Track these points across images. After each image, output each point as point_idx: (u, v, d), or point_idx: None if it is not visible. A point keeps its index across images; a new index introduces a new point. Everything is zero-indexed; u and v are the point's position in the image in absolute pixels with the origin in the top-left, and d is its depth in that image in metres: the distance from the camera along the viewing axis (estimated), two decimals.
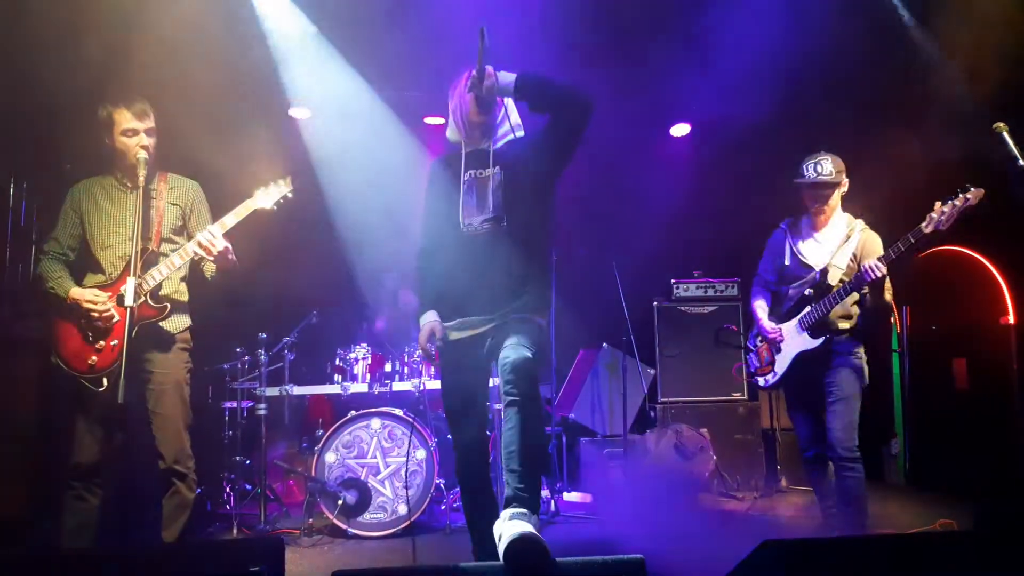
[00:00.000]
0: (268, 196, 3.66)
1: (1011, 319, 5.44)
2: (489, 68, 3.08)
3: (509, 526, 2.72)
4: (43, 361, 3.54)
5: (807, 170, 3.96)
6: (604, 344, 6.41)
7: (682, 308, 6.54)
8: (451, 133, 3.36)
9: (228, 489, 5.28)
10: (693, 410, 6.23)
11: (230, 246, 3.55)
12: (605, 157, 6.81)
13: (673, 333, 6.48)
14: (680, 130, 7.33)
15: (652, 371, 6.36)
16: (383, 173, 6.54)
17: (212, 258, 3.50)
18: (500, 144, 3.26)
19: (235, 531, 4.88)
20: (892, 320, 6.52)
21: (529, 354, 2.93)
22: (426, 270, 3.29)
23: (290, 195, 3.71)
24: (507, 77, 3.11)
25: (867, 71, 5.68)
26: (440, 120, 6.97)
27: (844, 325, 3.90)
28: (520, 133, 3.30)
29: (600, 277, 5.97)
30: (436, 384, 5.32)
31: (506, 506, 2.87)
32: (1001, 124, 3.22)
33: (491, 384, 3.58)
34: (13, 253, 4.80)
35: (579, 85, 3.11)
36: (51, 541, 3.77)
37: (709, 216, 6.54)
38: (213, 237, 3.48)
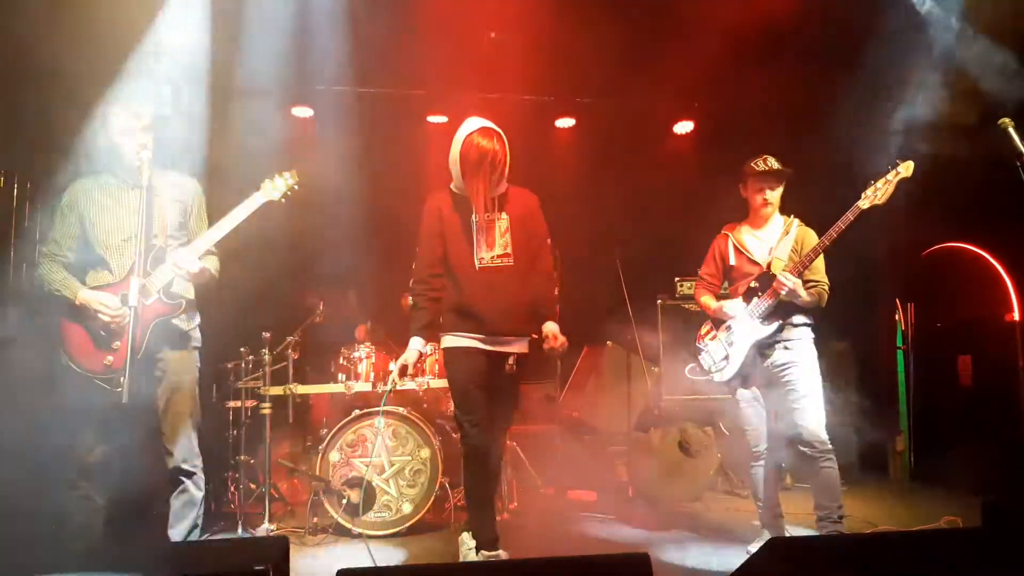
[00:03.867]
0: (275, 188, 3.71)
1: (1016, 316, 5.43)
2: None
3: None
4: (47, 361, 3.53)
5: (758, 165, 4.19)
6: (608, 341, 6.40)
7: (686, 305, 6.52)
8: (457, 189, 3.80)
9: (233, 488, 5.28)
10: (698, 408, 6.21)
11: (208, 267, 3.59)
12: (609, 154, 6.82)
13: (677, 331, 6.46)
14: (684, 127, 7.35)
15: (656, 368, 6.34)
16: (387, 172, 6.55)
17: (188, 279, 3.54)
18: (501, 191, 3.80)
19: (240, 530, 4.88)
20: (897, 317, 6.51)
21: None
22: (422, 297, 3.77)
23: (296, 187, 3.76)
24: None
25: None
26: (444, 119, 6.98)
27: (797, 316, 4.03)
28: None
29: (604, 274, 5.97)
30: (442, 383, 5.32)
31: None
32: (1007, 120, 3.21)
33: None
34: (17, 253, 4.81)
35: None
36: (56, 541, 3.77)
37: (712, 213, 6.53)
38: (189, 262, 3.49)
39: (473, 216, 3.71)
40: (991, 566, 2.19)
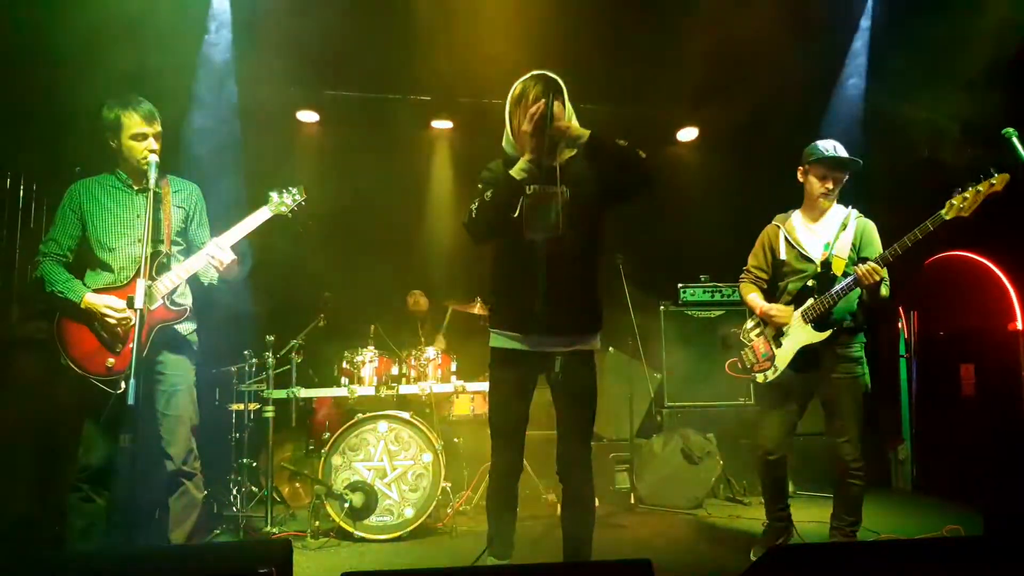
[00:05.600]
0: (283, 203, 3.71)
1: (1019, 325, 5.43)
2: (560, 122, 3.08)
3: None
4: (49, 362, 3.54)
5: (827, 149, 3.89)
6: (611, 348, 6.40)
7: (689, 312, 6.54)
8: (508, 144, 3.30)
9: (235, 491, 5.29)
10: (700, 414, 6.23)
11: (236, 257, 3.59)
12: None
13: (680, 337, 6.47)
14: (688, 134, 7.37)
15: (659, 375, 6.35)
16: (391, 176, 6.57)
17: (221, 269, 3.55)
18: (564, 160, 3.23)
19: (242, 533, 4.89)
20: (900, 325, 6.51)
21: (590, 448, 3.41)
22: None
23: (304, 203, 3.76)
24: (579, 132, 3.10)
25: None
26: (448, 124, 7.00)
27: (849, 321, 3.84)
28: (580, 145, 3.20)
29: (607, 281, 5.98)
30: (445, 388, 5.32)
31: None
32: (1010, 129, 3.21)
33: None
34: (23, 254, 4.83)
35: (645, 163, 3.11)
36: (58, 542, 3.78)
37: (716, 220, 6.55)
38: (223, 251, 3.52)
39: (526, 188, 3.11)
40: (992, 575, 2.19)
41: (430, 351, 5.47)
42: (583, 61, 5.80)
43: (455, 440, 5.58)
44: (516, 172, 3.12)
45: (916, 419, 6.36)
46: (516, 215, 3.12)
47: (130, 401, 3.01)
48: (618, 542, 4.66)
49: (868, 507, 3.90)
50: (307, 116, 6.82)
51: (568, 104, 3.18)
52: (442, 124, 7.02)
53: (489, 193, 3.12)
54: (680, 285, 6.59)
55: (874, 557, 2.32)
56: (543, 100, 3.03)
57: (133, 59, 4.46)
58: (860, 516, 3.87)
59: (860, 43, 6.20)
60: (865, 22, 6.10)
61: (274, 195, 3.73)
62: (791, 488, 5.92)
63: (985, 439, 5.48)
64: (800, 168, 4.02)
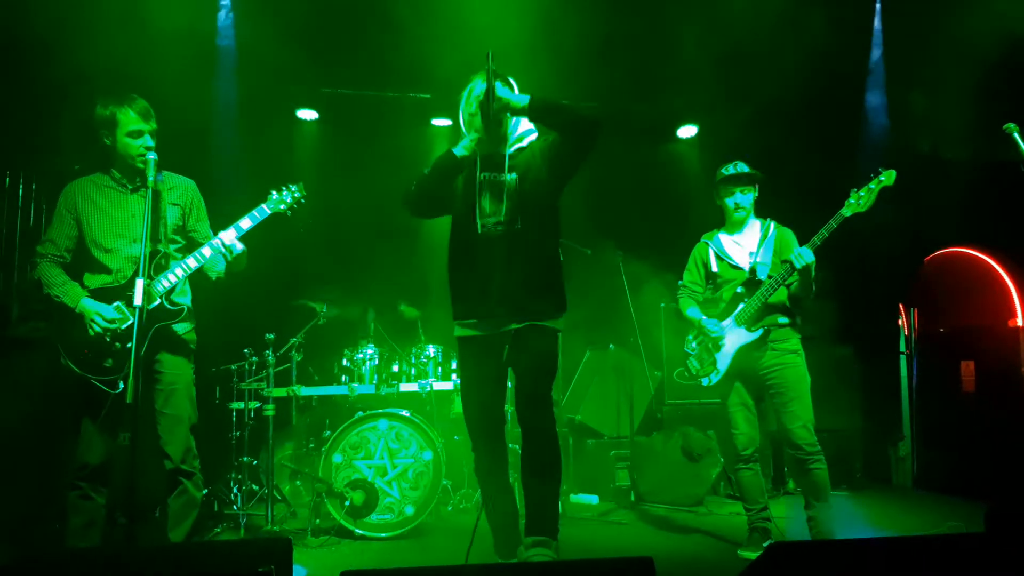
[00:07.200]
0: (282, 201, 3.69)
1: (1019, 321, 5.42)
2: (502, 97, 3.21)
3: (532, 556, 3.04)
4: (49, 361, 3.53)
5: (729, 169, 4.21)
6: (611, 345, 6.40)
7: None
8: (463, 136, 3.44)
9: (235, 489, 5.29)
10: (700, 412, 6.22)
11: (245, 248, 3.58)
12: (613, 158, 6.84)
13: (680, 334, 6.45)
14: (688, 131, 7.37)
15: (659, 373, 6.35)
16: (391, 174, 6.55)
17: (230, 259, 3.53)
18: (514, 149, 3.39)
19: (242, 531, 4.89)
20: (900, 322, 6.51)
21: (548, 392, 3.23)
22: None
23: (303, 201, 3.74)
24: (519, 99, 3.24)
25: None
26: (448, 121, 7.00)
27: (781, 318, 4.06)
28: (533, 136, 3.44)
29: (607, 278, 5.98)
30: (444, 385, 5.33)
31: (528, 534, 3.17)
32: (1011, 124, 3.21)
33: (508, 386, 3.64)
34: (22, 253, 4.82)
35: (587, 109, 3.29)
36: (57, 541, 3.78)
37: (716, 218, 6.54)
38: (234, 244, 3.49)
39: (478, 174, 3.32)
40: (994, 572, 2.18)
41: (430, 348, 5.47)
42: (582, 58, 5.81)
43: (455, 438, 5.58)
44: (458, 147, 3.31)
45: (916, 416, 6.36)
46: (468, 201, 3.29)
47: (128, 399, 3.01)
48: (618, 540, 4.66)
49: (868, 504, 3.91)
50: (306, 114, 6.81)
51: (515, 88, 3.35)
52: (442, 122, 7.02)
53: (428, 168, 3.35)
54: (680, 283, 6.57)
55: (874, 554, 2.32)
56: (486, 82, 3.18)
57: (132, 56, 4.46)
58: (829, 499, 3.96)
59: (861, 42, 6.21)
60: (877, 23, 6.14)
61: (274, 193, 3.71)
62: (791, 485, 5.93)
63: (986, 435, 5.48)
64: (713, 190, 4.34)
